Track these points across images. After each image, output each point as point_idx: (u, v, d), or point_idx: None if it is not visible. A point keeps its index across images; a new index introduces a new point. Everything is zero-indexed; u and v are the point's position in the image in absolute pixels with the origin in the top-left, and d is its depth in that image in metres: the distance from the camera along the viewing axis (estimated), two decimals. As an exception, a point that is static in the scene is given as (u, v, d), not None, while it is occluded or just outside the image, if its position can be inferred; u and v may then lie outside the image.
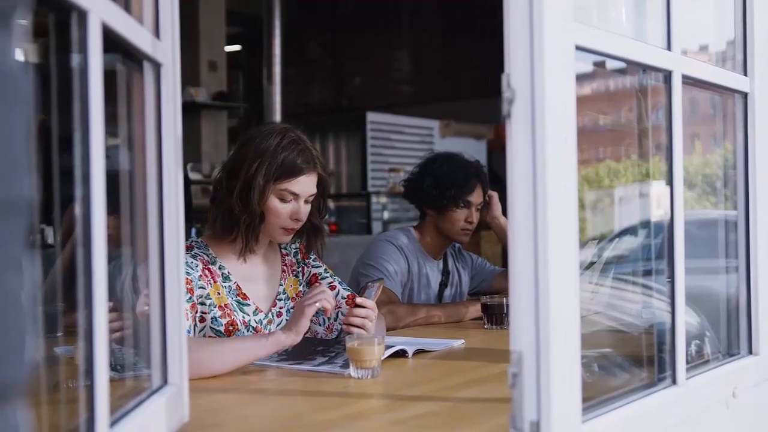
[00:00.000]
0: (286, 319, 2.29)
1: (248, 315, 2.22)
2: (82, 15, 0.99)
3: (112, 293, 1.09)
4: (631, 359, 1.73)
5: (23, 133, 0.60)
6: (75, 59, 1.02)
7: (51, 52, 1.05)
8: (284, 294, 2.34)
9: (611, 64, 1.57)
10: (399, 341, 2.18)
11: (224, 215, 2.20)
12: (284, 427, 1.54)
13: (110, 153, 1.10)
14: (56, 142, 1.07)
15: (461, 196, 2.98)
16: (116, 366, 1.39)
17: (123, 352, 1.48)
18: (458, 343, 2.35)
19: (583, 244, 1.30)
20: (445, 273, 3.15)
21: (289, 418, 1.58)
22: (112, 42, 1.11)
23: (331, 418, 1.56)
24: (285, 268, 2.38)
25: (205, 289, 2.14)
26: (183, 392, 1.41)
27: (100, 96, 1.03)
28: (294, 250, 2.42)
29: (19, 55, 0.61)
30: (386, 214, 7.55)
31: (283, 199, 2.19)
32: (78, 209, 1.02)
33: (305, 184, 2.21)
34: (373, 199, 7.50)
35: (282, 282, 2.35)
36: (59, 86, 1.05)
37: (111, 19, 1.07)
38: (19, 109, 0.59)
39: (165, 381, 1.37)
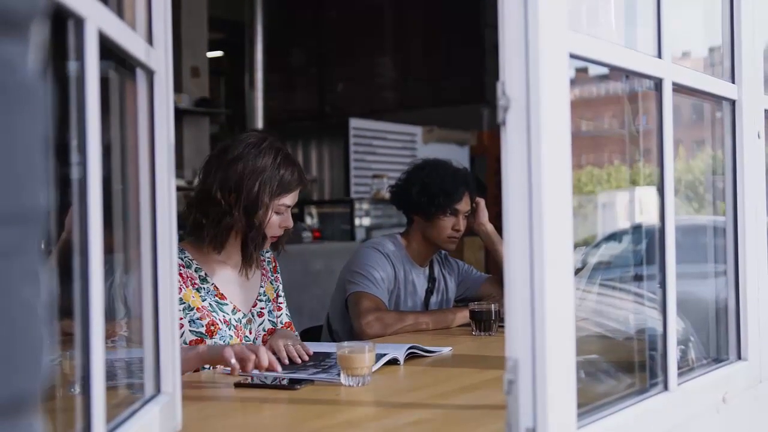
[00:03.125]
0: (268, 320, 2.39)
1: (227, 314, 2.27)
2: (79, 22, 0.99)
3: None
4: (620, 365, 1.74)
5: (40, 142, 0.59)
6: (71, 66, 1.01)
7: (46, 59, 1.04)
8: (265, 296, 2.42)
9: (593, 70, 1.58)
10: (389, 348, 2.17)
11: (224, 232, 2.24)
12: (277, 435, 1.53)
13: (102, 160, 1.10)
14: (51, 149, 1.06)
15: (449, 204, 2.98)
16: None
17: (112, 360, 1.46)
18: (447, 350, 2.35)
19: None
20: (432, 280, 3.15)
21: (282, 427, 1.58)
22: (106, 49, 1.10)
23: (325, 426, 1.55)
24: (264, 271, 2.45)
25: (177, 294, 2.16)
26: (176, 401, 1.40)
27: (96, 103, 1.02)
28: (268, 259, 2.50)
29: (35, 66, 0.61)
30: (369, 221, 7.54)
31: (278, 213, 2.29)
32: (74, 217, 1.01)
33: (296, 196, 2.34)
34: (357, 205, 7.48)
35: (262, 284, 2.42)
36: (54, 93, 1.04)
37: (107, 26, 1.07)
38: (36, 120, 0.58)
39: (158, 390, 1.36)
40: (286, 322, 2.45)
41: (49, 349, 0.61)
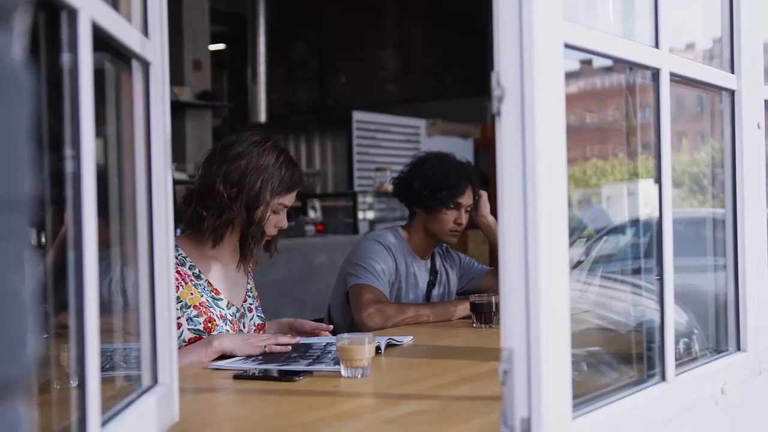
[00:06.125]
0: (257, 315, 2.44)
1: (223, 309, 2.30)
2: (72, 13, 0.99)
3: (100, 294, 1.08)
4: (621, 357, 1.74)
5: (25, 131, 0.60)
6: (64, 58, 1.01)
7: (39, 50, 1.04)
8: (251, 293, 2.46)
9: (598, 62, 1.57)
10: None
11: (224, 225, 2.27)
12: (275, 426, 1.53)
13: (97, 153, 1.10)
14: (45, 143, 1.06)
15: (451, 198, 2.98)
16: (103, 365, 1.39)
17: (110, 352, 1.47)
18: (407, 339, 2.37)
19: (570, 242, 1.30)
20: (433, 272, 3.15)
21: (280, 418, 1.58)
22: (101, 40, 1.10)
23: (322, 417, 1.56)
24: (250, 269, 2.49)
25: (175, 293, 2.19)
26: (173, 392, 1.40)
27: (90, 95, 1.02)
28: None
29: (19, 54, 0.61)
30: (373, 214, 7.54)
31: (275, 212, 2.31)
32: (68, 210, 1.01)
33: (294, 197, 2.37)
34: (360, 198, 7.49)
35: (249, 281, 2.47)
36: (47, 85, 1.04)
37: (101, 17, 1.07)
38: (21, 108, 0.59)
39: (155, 381, 1.36)
40: (258, 324, 2.46)
41: (35, 336, 0.62)
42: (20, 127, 0.58)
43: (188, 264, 2.29)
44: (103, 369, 1.15)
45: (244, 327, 2.36)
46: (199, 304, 2.24)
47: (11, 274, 0.58)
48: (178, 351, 2.12)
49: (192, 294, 2.25)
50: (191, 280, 2.26)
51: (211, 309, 2.26)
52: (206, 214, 2.26)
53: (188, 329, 2.21)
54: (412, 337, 2.40)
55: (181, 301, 2.21)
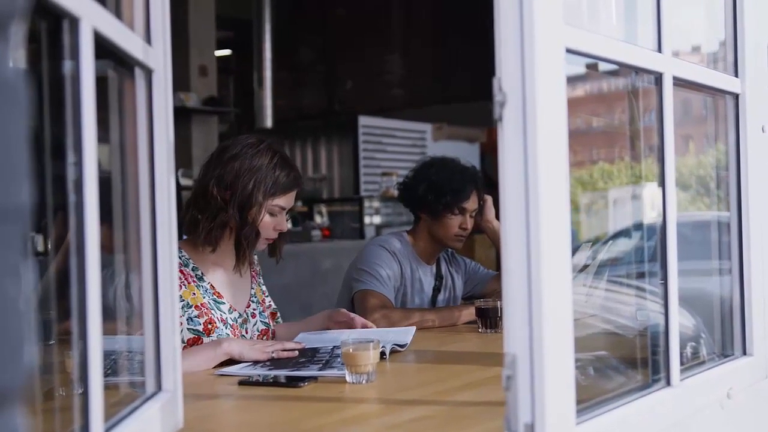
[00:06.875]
0: (260, 321, 2.43)
1: (224, 313, 2.31)
2: (74, 22, 0.99)
3: (105, 301, 1.09)
4: (626, 361, 1.73)
5: (22, 140, 0.60)
6: (66, 66, 1.02)
7: (42, 58, 1.04)
8: (255, 297, 2.46)
9: (603, 66, 1.57)
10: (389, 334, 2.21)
11: (218, 228, 2.27)
12: (279, 432, 1.53)
13: (101, 160, 1.10)
14: (47, 149, 1.07)
15: (456, 203, 2.97)
16: (107, 371, 1.39)
17: (114, 358, 1.47)
18: (411, 331, 2.40)
19: (576, 246, 1.30)
20: (439, 277, 3.15)
21: (285, 424, 1.58)
22: (103, 48, 1.11)
23: (327, 423, 1.56)
24: (254, 274, 2.49)
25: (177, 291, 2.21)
26: (177, 399, 1.40)
27: (92, 102, 1.02)
28: (256, 260, 2.56)
29: (17, 63, 0.61)
30: (379, 219, 7.54)
31: (272, 214, 2.31)
32: (70, 216, 1.02)
33: (292, 199, 2.36)
34: (366, 203, 7.48)
35: (253, 286, 2.47)
36: (50, 93, 1.04)
37: (102, 25, 1.07)
38: (18, 116, 0.59)
39: (159, 387, 1.37)
40: (271, 313, 2.50)
41: (32, 345, 0.62)
42: (18, 136, 0.58)
43: (191, 265, 2.30)
44: (106, 374, 1.15)
45: (246, 332, 2.36)
46: (201, 304, 2.25)
47: (8, 283, 0.58)
48: (183, 351, 2.13)
49: (194, 294, 2.25)
50: (194, 281, 2.27)
51: (212, 311, 2.26)
52: (200, 218, 2.27)
53: (188, 329, 2.21)
54: (414, 328, 2.42)
55: (183, 300, 2.21)
